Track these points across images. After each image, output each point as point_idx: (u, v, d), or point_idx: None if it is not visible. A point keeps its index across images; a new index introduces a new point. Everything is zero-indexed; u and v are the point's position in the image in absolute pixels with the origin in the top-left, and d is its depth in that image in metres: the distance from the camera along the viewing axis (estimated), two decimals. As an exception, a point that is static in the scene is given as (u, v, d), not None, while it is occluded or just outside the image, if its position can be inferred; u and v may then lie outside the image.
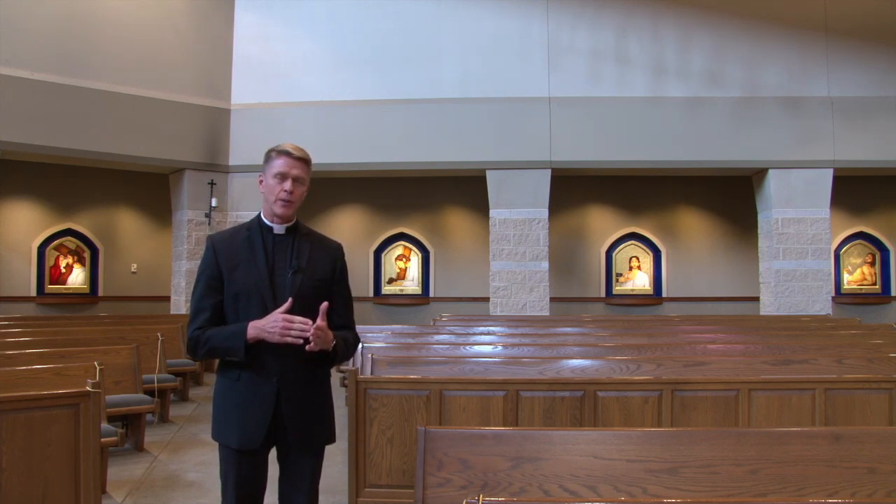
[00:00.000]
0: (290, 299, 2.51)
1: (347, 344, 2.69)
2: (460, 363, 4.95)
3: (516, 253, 10.85)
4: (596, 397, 4.28)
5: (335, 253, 2.76)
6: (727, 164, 10.89)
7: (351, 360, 5.20)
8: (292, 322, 2.47)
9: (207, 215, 11.05)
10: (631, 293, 13.32)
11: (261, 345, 2.52)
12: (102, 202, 12.65)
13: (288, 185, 2.60)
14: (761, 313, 10.98)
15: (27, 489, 3.27)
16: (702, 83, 10.90)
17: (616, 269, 13.35)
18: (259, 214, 2.70)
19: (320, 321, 2.49)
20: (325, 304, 2.52)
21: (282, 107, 11.18)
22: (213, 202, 11.01)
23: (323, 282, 2.67)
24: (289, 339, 2.46)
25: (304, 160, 2.64)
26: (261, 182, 2.68)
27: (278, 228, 2.66)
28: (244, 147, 11.16)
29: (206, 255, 2.65)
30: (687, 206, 13.44)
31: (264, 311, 2.54)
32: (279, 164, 2.61)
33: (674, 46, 10.95)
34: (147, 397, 6.08)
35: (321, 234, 2.80)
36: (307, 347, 2.49)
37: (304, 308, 2.56)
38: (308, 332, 2.46)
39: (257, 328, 2.50)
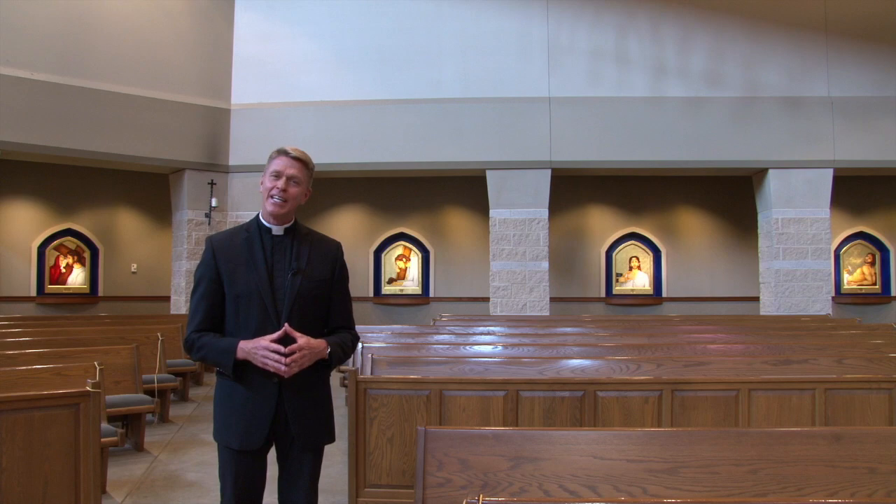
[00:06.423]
0: (285, 326, 2.52)
1: (345, 347, 2.70)
2: (460, 363, 4.95)
3: (516, 253, 10.84)
4: (596, 397, 4.28)
5: (335, 253, 2.76)
6: (727, 164, 10.89)
7: (351, 360, 5.21)
8: (280, 354, 2.49)
9: (207, 215, 11.05)
10: (631, 293, 13.32)
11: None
12: (102, 202, 12.65)
13: (281, 183, 2.60)
14: (761, 313, 10.98)
15: (27, 489, 3.27)
16: (702, 83, 10.90)
17: (616, 269, 13.35)
18: (258, 215, 2.71)
19: (296, 345, 2.51)
20: (285, 328, 2.52)
21: (282, 107, 11.18)
22: (213, 202, 11.01)
23: (322, 283, 2.68)
24: (269, 367, 2.51)
25: (302, 161, 2.64)
26: (261, 184, 2.68)
27: (277, 230, 2.66)
28: (244, 147, 11.16)
29: (205, 256, 2.66)
30: (687, 206, 13.44)
31: (264, 313, 2.56)
32: (276, 164, 2.63)
33: (674, 46, 10.95)
34: (147, 397, 6.08)
35: (321, 235, 2.79)
36: (283, 373, 2.50)
37: (304, 309, 2.59)
38: (282, 365, 2.49)
39: (244, 350, 2.53)
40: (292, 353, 2.50)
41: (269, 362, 2.49)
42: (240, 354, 2.53)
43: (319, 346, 2.58)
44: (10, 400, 3.33)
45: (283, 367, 2.49)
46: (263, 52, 11.33)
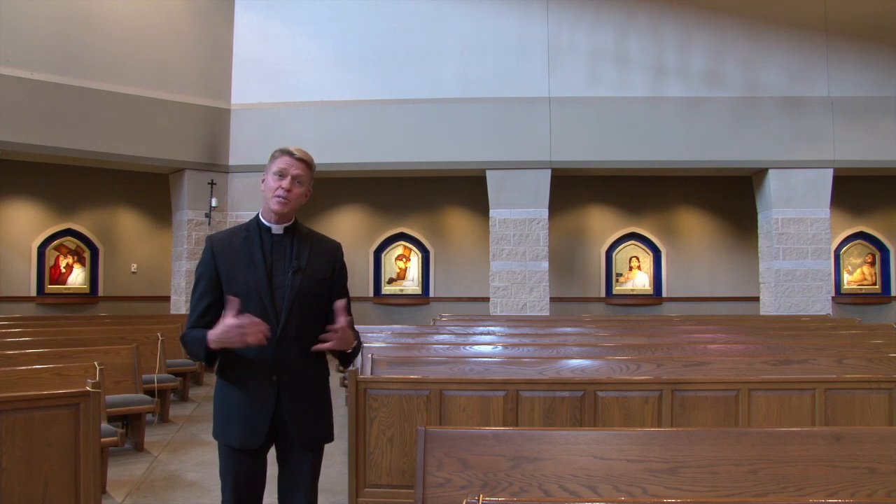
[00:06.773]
0: (235, 299, 2.47)
1: (360, 343, 2.77)
2: (460, 363, 4.95)
3: (516, 253, 10.84)
4: (596, 397, 4.28)
5: (335, 253, 2.77)
6: (727, 164, 10.89)
7: (351, 360, 5.20)
8: (242, 326, 2.41)
9: (207, 215, 11.05)
10: (631, 293, 13.32)
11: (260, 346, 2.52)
12: (102, 202, 12.65)
13: (286, 182, 2.61)
14: (761, 313, 10.98)
15: (27, 489, 3.27)
16: (702, 83, 10.90)
17: (616, 269, 13.35)
18: (258, 215, 2.71)
19: (342, 321, 2.54)
20: (341, 302, 2.56)
21: (282, 107, 11.18)
22: (213, 202, 11.01)
23: (322, 282, 2.68)
24: (252, 341, 2.42)
25: (306, 162, 2.65)
26: (263, 182, 2.69)
27: (276, 229, 2.67)
28: (244, 147, 11.16)
29: (204, 255, 2.67)
30: (687, 206, 13.44)
31: (263, 312, 2.54)
32: (280, 163, 2.63)
33: (674, 46, 10.95)
34: (147, 397, 6.08)
35: (321, 235, 2.80)
36: (326, 346, 2.53)
37: (304, 308, 2.59)
38: (264, 330, 2.43)
39: (215, 340, 2.48)
40: (340, 328, 2.53)
41: (251, 338, 2.40)
42: (213, 345, 2.48)
43: (352, 337, 2.63)
44: (10, 400, 3.33)
45: (264, 333, 2.42)
46: (263, 52, 11.33)
